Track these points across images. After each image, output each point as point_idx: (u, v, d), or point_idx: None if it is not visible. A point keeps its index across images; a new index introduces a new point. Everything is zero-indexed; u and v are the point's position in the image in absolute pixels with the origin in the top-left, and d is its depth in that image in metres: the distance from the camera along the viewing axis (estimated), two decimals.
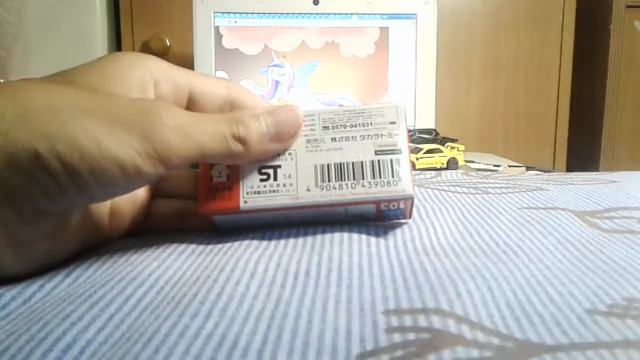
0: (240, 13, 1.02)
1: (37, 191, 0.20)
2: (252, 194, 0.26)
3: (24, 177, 0.20)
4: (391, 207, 0.27)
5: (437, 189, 0.41)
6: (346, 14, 1.03)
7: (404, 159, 0.27)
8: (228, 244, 0.27)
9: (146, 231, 0.29)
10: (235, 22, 1.02)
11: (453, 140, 0.86)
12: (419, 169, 0.74)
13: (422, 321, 0.18)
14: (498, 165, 0.83)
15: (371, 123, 0.27)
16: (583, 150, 1.36)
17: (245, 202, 0.26)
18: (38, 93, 0.21)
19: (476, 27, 1.28)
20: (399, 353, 0.16)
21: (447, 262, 0.24)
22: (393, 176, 0.26)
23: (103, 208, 0.27)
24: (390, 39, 1.03)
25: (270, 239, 0.27)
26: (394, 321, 0.18)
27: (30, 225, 0.21)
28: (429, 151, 0.74)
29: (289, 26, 1.03)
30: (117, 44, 1.26)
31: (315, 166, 0.26)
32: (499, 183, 0.44)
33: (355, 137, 0.27)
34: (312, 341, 0.17)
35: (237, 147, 0.24)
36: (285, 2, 1.02)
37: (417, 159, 0.73)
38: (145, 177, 0.22)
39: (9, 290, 0.21)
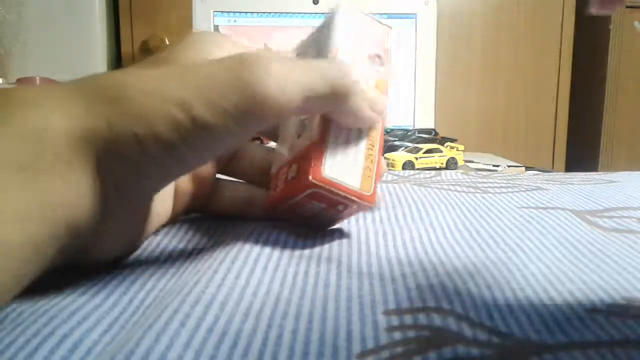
0: (240, 12, 1.02)
1: (140, 177, 0.20)
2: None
3: (127, 166, 0.20)
4: None
5: (437, 189, 0.41)
6: None
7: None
8: (228, 240, 0.27)
9: (208, 211, 0.30)
10: (235, 21, 1.02)
11: (452, 140, 0.86)
12: (418, 169, 0.74)
13: (422, 319, 0.18)
14: (497, 165, 0.83)
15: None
16: (582, 150, 1.36)
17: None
18: (130, 78, 0.20)
19: (476, 27, 1.28)
20: (399, 350, 0.16)
21: (446, 262, 0.24)
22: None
23: (170, 187, 0.27)
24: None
25: (269, 235, 0.27)
26: (394, 320, 0.18)
27: (132, 212, 0.22)
28: (428, 151, 0.74)
29: (288, 26, 1.03)
30: (116, 42, 1.26)
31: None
32: (498, 183, 0.44)
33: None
34: (313, 341, 0.17)
35: (344, 83, 0.23)
36: (285, 1, 1.02)
37: (416, 158, 0.73)
38: (242, 137, 0.21)
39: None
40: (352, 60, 0.27)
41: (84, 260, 0.22)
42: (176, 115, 0.19)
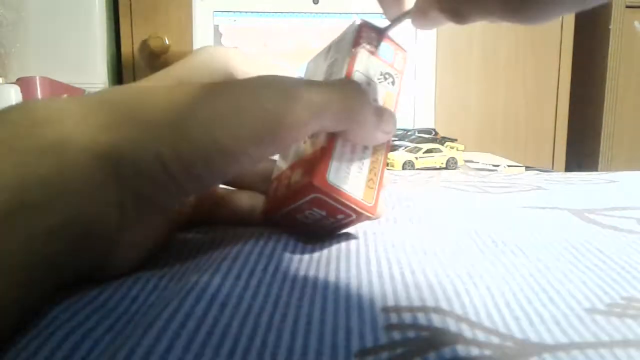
0: (240, 12, 1.02)
1: (159, 193, 0.21)
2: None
3: (147, 182, 0.20)
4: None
5: (437, 189, 0.41)
6: (346, 13, 1.03)
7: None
8: (229, 242, 0.27)
9: (209, 220, 0.30)
10: (235, 20, 1.02)
11: (452, 140, 0.86)
12: (418, 169, 0.74)
13: (421, 319, 0.18)
14: (497, 165, 0.83)
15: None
16: (582, 150, 1.36)
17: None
18: (153, 97, 0.21)
19: (476, 26, 1.28)
20: (399, 350, 0.16)
21: (445, 261, 0.24)
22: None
23: None
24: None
25: (269, 236, 0.27)
26: (394, 318, 0.18)
27: (146, 226, 0.22)
28: (428, 151, 0.74)
29: (288, 25, 1.03)
30: (116, 42, 1.26)
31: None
32: (498, 182, 0.44)
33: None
34: (312, 342, 0.17)
35: (357, 106, 0.23)
36: (285, 1, 1.02)
37: (416, 158, 0.73)
38: (259, 158, 0.22)
39: None
40: (366, 77, 0.27)
41: (96, 275, 0.22)
42: (197, 138, 0.20)
